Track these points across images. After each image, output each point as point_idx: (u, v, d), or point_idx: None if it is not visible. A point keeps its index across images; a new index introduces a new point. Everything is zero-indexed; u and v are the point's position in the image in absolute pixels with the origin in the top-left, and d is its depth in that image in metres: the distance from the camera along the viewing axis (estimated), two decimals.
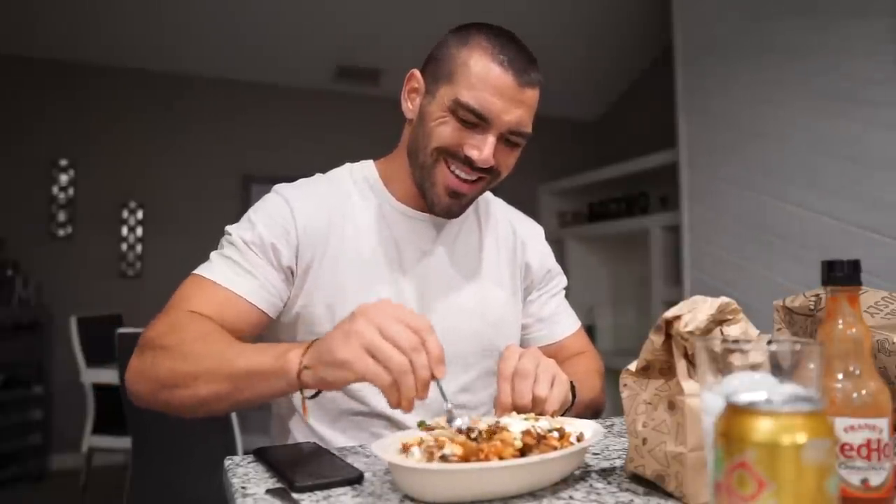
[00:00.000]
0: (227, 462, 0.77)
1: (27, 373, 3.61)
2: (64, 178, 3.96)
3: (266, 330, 0.98)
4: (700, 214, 3.19)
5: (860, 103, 2.42)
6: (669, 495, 0.62)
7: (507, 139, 0.94)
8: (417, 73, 0.98)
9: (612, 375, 1.12)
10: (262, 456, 0.77)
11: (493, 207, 1.15)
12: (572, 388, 0.91)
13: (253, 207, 1.00)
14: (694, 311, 0.62)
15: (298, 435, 1.01)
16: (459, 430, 0.67)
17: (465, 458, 0.61)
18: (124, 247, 4.08)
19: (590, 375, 1.07)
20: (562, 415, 0.85)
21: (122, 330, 2.18)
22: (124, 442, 2.58)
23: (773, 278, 2.75)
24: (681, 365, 0.63)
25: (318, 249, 0.97)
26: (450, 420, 0.69)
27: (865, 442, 0.54)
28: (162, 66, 4.15)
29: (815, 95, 2.60)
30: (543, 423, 0.71)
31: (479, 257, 1.08)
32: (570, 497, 0.63)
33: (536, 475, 0.63)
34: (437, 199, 0.96)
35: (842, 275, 0.58)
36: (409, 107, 0.99)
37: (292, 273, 0.97)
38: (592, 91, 4.87)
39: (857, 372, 0.57)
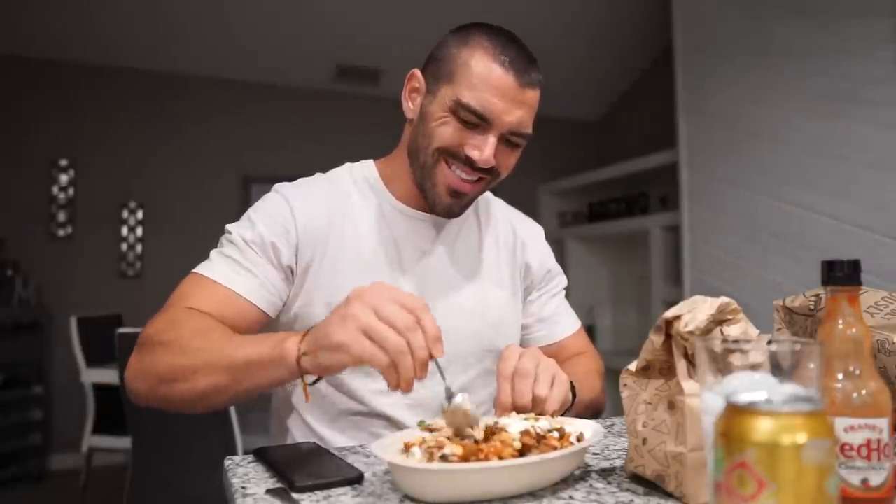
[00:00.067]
0: (227, 462, 0.77)
1: (27, 373, 3.60)
2: (64, 178, 3.97)
3: (265, 329, 0.98)
4: (700, 214, 3.19)
5: (860, 103, 2.42)
6: (669, 495, 0.62)
7: (507, 139, 0.94)
8: (418, 72, 0.98)
9: (612, 375, 1.12)
10: (262, 456, 0.77)
11: (494, 207, 1.15)
12: (572, 388, 0.91)
13: (253, 206, 1.00)
14: (694, 311, 0.62)
15: (298, 435, 1.01)
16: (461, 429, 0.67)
17: (465, 458, 0.61)
18: (124, 247, 4.08)
19: (590, 375, 1.07)
20: (562, 415, 0.85)
21: (122, 330, 2.18)
22: (124, 442, 2.58)
23: (772, 278, 2.75)
24: (681, 365, 0.63)
25: (318, 249, 0.97)
26: (449, 398, 0.69)
27: (865, 442, 0.54)
28: (163, 66, 4.15)
29: (815, 95, 2.60)
30: (543, 423, 0.71)
31: (479, 257, 1.08)
32: (570, 497, 0.63)
33: (536, 475, 0.63)
34: (438, 199, 0.96)
35: (842, 275, 0.58)
36: (410, 107, 0.99)
37: (292, 272, 0.97)
38: (593, 91, 4.87)
39: (857, 372, 0.57)
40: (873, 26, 2.36)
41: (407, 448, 0.66)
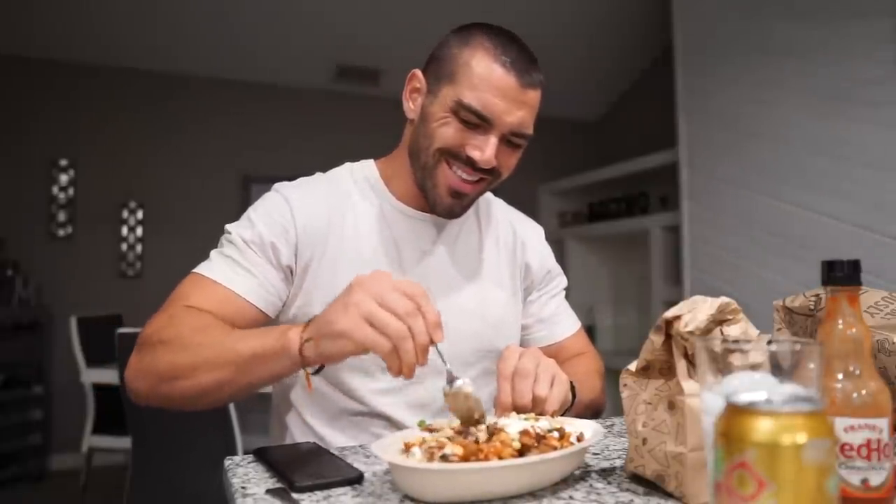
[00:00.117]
0: (227, 462, 0.77)
1: (27, 373, 3.60)
2: (64, 178, 3.97)
3: None
4: (700, 214, 3.19)
5: (860, 103, 2.42)
6: (669, 495, 0.62)
7: (508, 140, 0.94)
8: (419, 73, 0.98)
9: (612, 375, 1.12)
10: (262, 456, 0.77)
11: (494, 208, 1.15)
12: (572, 388, 0.91)
13: (253, 206, 1.00)
14: (694, 311, 0.62)
15: (298, 434, 1.01)
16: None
17: (465, 458, 0.61)
18: (124, 247, 4.08)
19: (590, 376, 1.07)
20: (562, 415, 0.85)
21: (122, 330, 2.18)
22: (124, 442, 2.58)
23: (772, 278, 2.75)
24: (681, 365, 0.63)
25: (318, 249, 0.97)
26: (450, 381, 0.71)
27: (865, 442, 0.54)
28: (163, 66, 4.15)
29: (815, 95, 2.60)
30: (543, 423, 0.71)
31: (479, 258, 1.08)
32: (570, 497, 0.63)
33: (537, 475, 0.63)
34: (439, 199, 0.96)
35: (842, 275, 0.58)
36: (411, 107, 0.99)
37: (291, 272, 0.97)
38: (593, 91, 4.87)
39: (857, 372, 0.57)
40: (873, 26, 2.36)
41: (407, 448, 0.66)
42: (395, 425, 0.97)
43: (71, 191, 3.97)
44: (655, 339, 0.65)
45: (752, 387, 0.45)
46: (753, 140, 2.88)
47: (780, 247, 2.73)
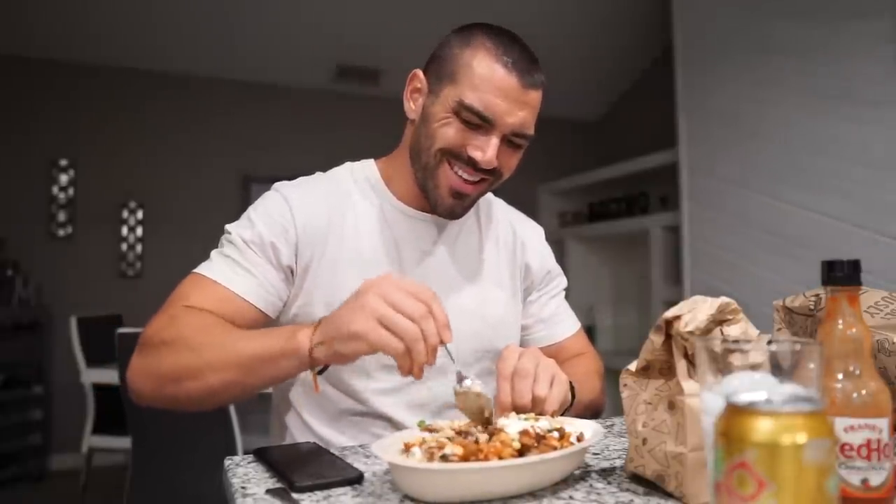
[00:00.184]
0: (227, 462, 0.77)
1: (27, 373, 3.60)
2: (64, 178, 3.96)
3: None
4: (700, 214, 3.19)
5: (860, 103, 2.42)
6: (669, 495, 0.62)
7: (509, 140, 0.94)
8: (420, 73, 0.98)
9: (612, 375, 1.12)
10: (262, 456, 0.77)
11: (494, 208, 1.15)
12: (571, 388, 0.91)
13: (253, 206, 1.00)
14: (694, 311, 0.62)
15: (298, 434, 1.01)
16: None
17: (465, 458, 0.61)
18: (124, 247, 4.08)
19: (590, 376, 1.07)
20: (561, 415, 0.85)
21: (122, 330, 2.18)
22: (124, 442, 2.57)
23: (772, 278, 2.75)
24: (681, 365, 0.63)
25: (318, 248, 0.97)
26: (460, 380, 0.73)
27: (865, 442, 0.54)
28: (163, 66, 4.14)
29: (815, 94, 2.60)
30: (543, 423, 0.71)
31: (479, 258, 1.08)
32: (570, 497, 0.63)
33: (537, 475, 0.63)
34: (441, 199, 0.96)
35: (842, 275, 0.58)
36: (412, 107, 0.99)
37: (292, 272, 0.97)
38: (593, 91, 4.87)
39: (857, 372, 0.57)
40: (873, 25, 2.36)
41: (407, 448, 0.66)
42: (395, 425, 0.97)
43: (71, 191, 3.97)
44: (655, 339, 0.65)
45: (752, 387, 0.45)
46: (753, 140, 2.88)
47: (780, 246, 2.73)
